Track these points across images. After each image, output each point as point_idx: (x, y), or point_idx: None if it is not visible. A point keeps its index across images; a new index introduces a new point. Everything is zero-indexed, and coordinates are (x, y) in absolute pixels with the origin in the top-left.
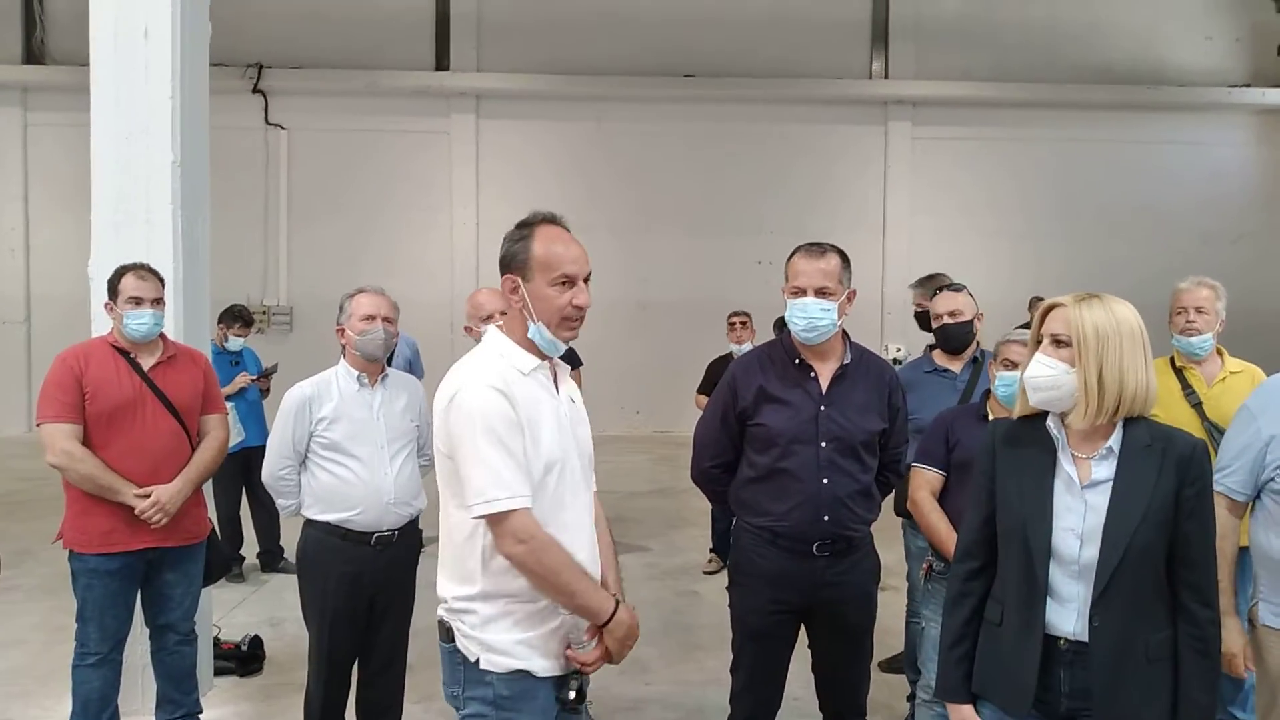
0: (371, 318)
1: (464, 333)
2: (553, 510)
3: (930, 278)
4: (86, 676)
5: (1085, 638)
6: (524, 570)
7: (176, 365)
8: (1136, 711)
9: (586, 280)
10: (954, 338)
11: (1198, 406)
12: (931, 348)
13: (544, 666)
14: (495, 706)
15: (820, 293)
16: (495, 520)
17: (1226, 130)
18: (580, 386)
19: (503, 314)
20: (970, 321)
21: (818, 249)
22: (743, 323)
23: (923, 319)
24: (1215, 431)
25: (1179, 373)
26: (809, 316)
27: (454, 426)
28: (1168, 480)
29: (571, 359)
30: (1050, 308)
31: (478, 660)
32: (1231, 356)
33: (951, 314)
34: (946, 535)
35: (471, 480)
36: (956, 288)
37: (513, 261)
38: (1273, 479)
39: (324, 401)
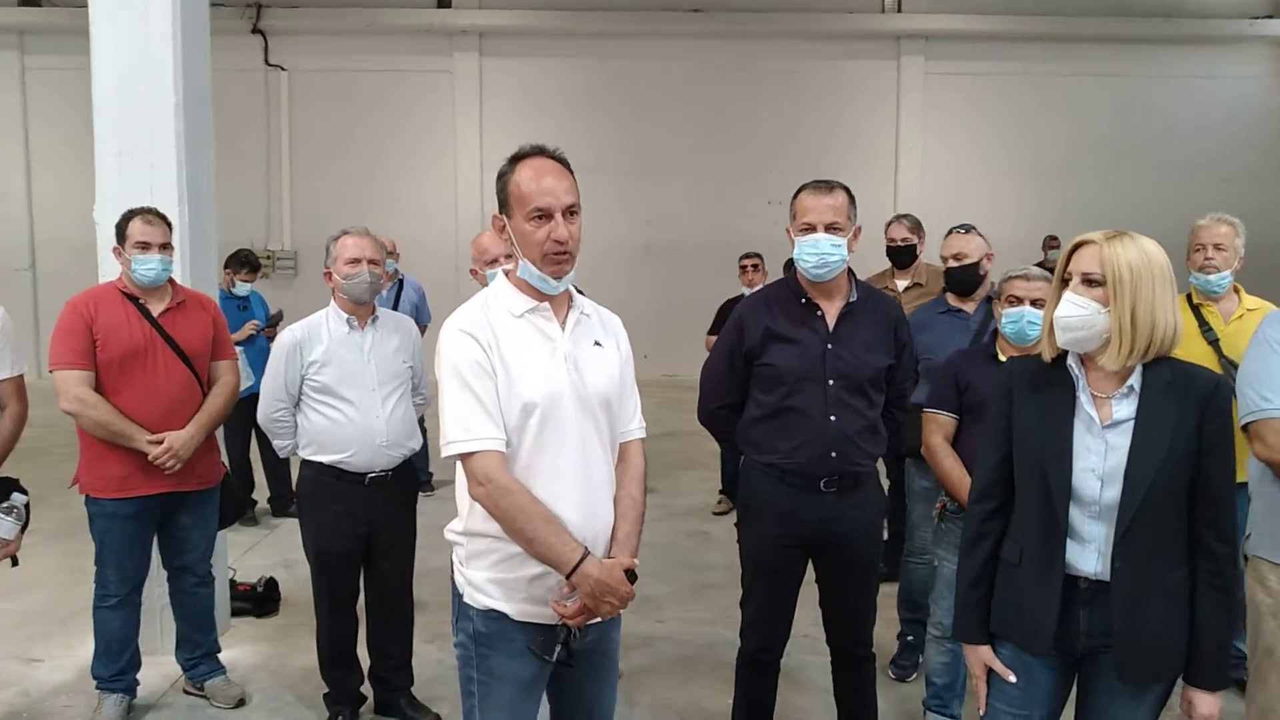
0: (356, 261)
1: (470, 275)
2: (534, 455)
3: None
4: (107, 618)
5: (1106, 577)
6: (488, 512)
7: (186, 311)
8: (1156, 648)
9: (571, 213)
10: (959, 281)
11: (1215, 343)
12: (945, 289)
13: (519, 611)
14: (475, 641)
15: (830, 228)
16: (462, 461)
17: (1246, 64)
18: None
19: (507, 257)
20: (977, 264)
21: (825, 185)
22: (754, 265)
23: (898, 253)
24: (1232, 368)
25: (1196, 310)
26: (820, 253)
27: (436, 371)
28: (1189, 418)
29: None
30: (1079, 245)
31: (463, 594)
32: (1248, 294)
33: (956, 257)
34: (960, 480)
35: (442, 423)
36: (964, 229)
37: (500, 200)
38: None
39: (314, 344)
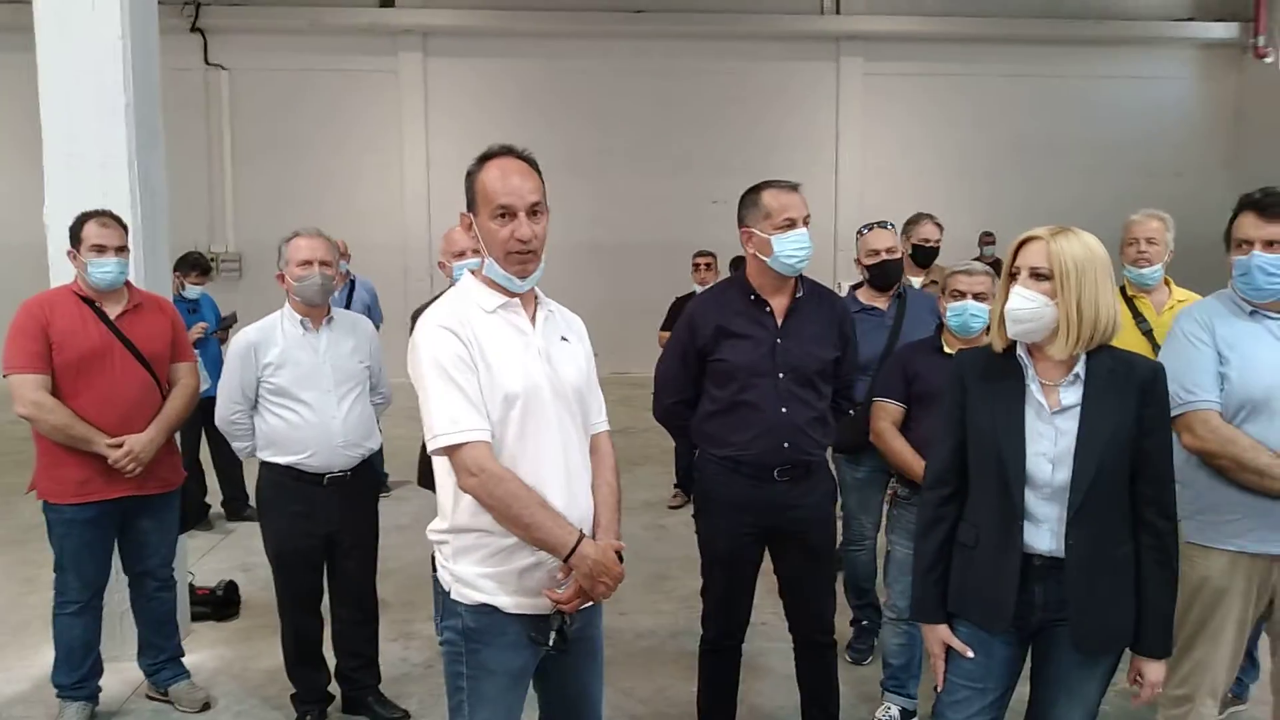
0: (308, 263)
1: (438, 268)
2: (517, 444)
3: (916, 219)
4: (68, 624)
5: (1060, 554)
6: (481, 502)
7: (143, 314)
8: (1108, 619)
9: (535, 212)
10: (891, 273)
11: (1148, 333)
12: (855, 287)
13: (511, 603)
14: (464, 637)
15: (804, 222)
16: (450, 455)
17: (1170, 64)
18: None
19: (475, 253)
20: (899, 259)
21: (788, 184)
22: (707, 264)
23: (926, 253)
24: None
25: (1130, 301)
26: (805, 247)
27: (412, 367)
28: (1131, 403)
29: None
30: (1025, 240)
31: (450, 590)
32: (1178, 286)
33: (889, 250)
34: (913, 460)
35: (426, 417)
36: (885, 225)
37: (468, 198)
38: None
39: (269, 347)
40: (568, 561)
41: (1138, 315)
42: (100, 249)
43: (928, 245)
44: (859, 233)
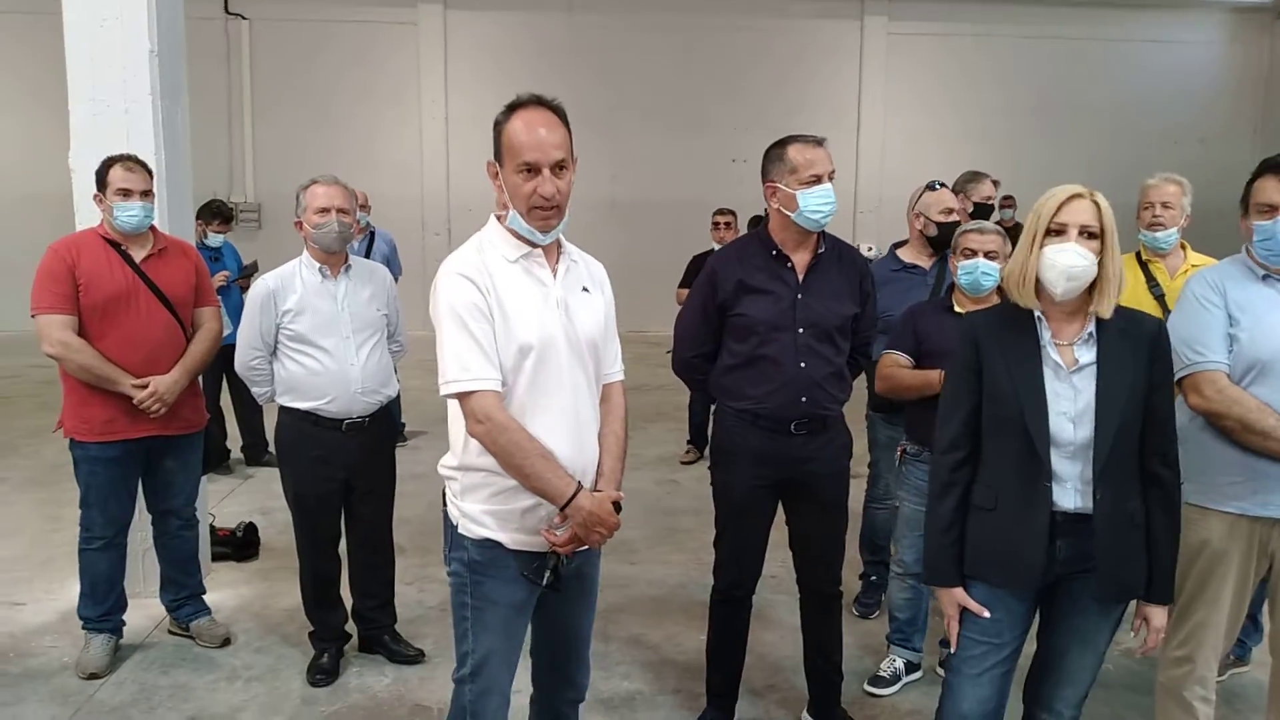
0: (325, 210)
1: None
2: (529, 395)
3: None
4: (93, 560)
5: (1087, 510)
6: (486, 449)
7: (168, 258)
8: (1126, 570)
9: (560, 168)
10: (952, 234)
11: (1161, 298)
12: (897, 245)
13: (513, 540)
14: (469, 569)
15: (830, 177)
16: (460, 400)
17: (1199, 28)
18: None
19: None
20: (958, 221)
21: (814, 139)
22: (727, 223)
23: (985, 210)
24: None
25: (1144, 266)
26: (831, 201)
27: (432, 312)
28: (1142, 358)
29: None
30: (1069, 199)
31: (457, 525)
32: (1194, 251)
33: (958, 210)
34: (925, 378)
35: (440, 362)
36: (947, 185)
37: (495, 148)
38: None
39: (288, 294)
40: (564, 511)
41: (1150, 279)
42: (126, 193)
43: (989, 203)
44: (928, 187)
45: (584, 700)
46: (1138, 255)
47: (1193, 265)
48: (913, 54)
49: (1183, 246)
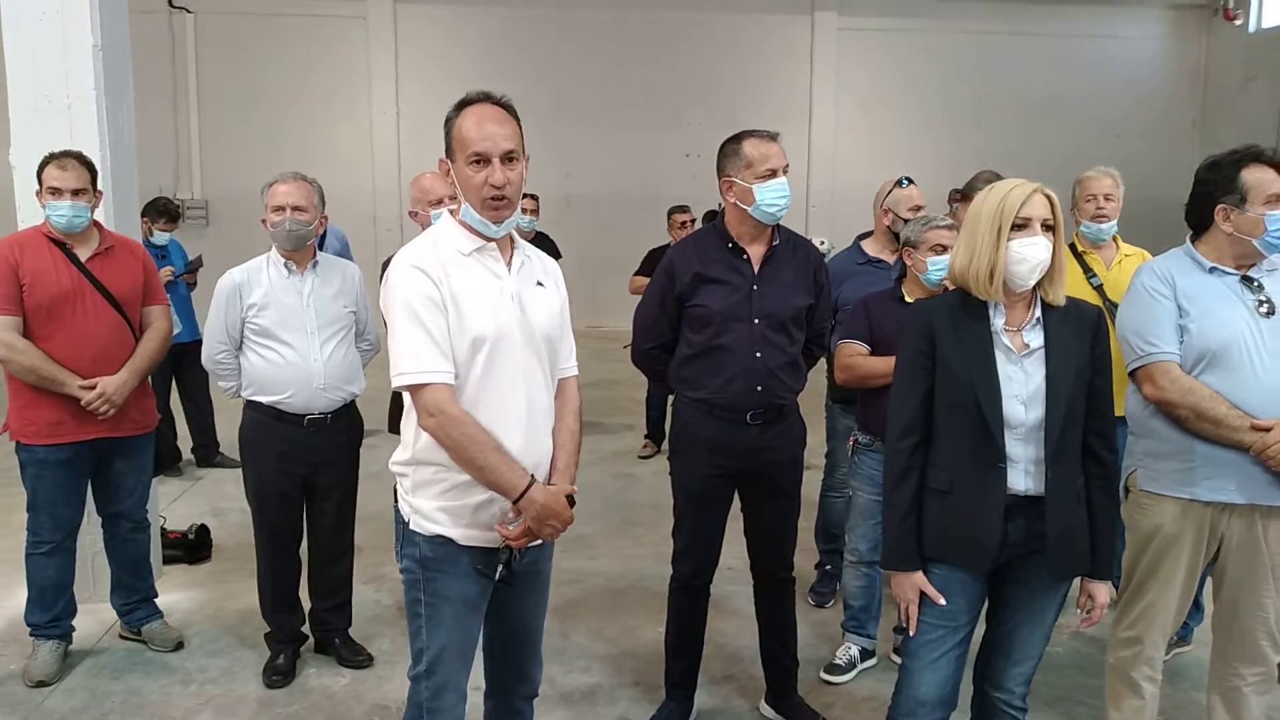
0: (280, 209)
1: (410, 218)
2: (482, 387)
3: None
4: (41, 565)
5: (1039, 492)
6: (439, 442)
7: (114, 257)
8: (1075, 547)
9: (510, 159)
10: None
11: (1099, 288)
12: (862, 237)
13: (465, 536)
14: (422, 565)
15: (784, 171)
16: (412, 393)
17: (1140, 24)
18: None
19: (452, 199)
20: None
21: (768, 133)
22: (684, 223)
23: None
24: (1114, 309)
25: (1079, 257)
26: (786, 195)
27: (383, 305)
28: (1085, 342)
29: (552, 252)
30: (1032, 193)
31: (409, 521)
32: (1125, 242)
33: (920, 209)
34: (888, 365)
35: (392, 354)
36: (913, 182)
37: (446, 144)
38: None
39: (254, 288)
40: (517, 505)
41: (1088, 270)
42: (56, 191)
43: None
44: (897, 184)
45: (537, 694)
46: (1073, 247)
47: (1125, 255)
48: (863, 50)
49: (1115, 239)
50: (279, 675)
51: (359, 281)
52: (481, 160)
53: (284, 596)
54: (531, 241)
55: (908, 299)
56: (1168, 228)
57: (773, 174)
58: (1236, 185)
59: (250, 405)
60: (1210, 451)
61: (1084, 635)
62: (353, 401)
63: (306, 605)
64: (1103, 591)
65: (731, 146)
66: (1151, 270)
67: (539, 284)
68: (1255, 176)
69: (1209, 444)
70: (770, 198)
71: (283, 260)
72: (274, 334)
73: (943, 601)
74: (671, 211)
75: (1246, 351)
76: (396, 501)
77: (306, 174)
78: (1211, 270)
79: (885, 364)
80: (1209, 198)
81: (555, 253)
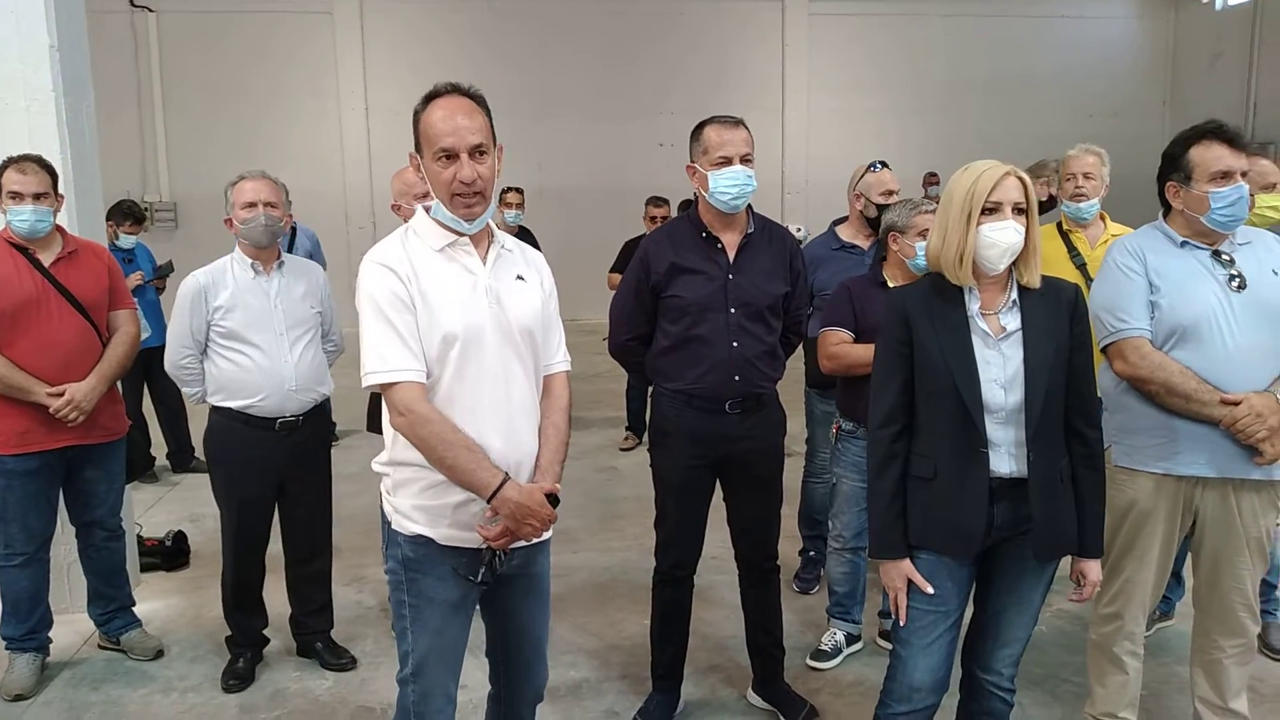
0: (252, 205)
1: (392, 211)
2: (456, 385)
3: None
4: (14, 577)
5: (1022, 474)
6: (409, 441)
7: (78, 261)
8: (1060, 528)
9: (480, 153)
10: None
11: (1082, 267)
12: (837, 223)
13: (445, 536)
14: (405, 566)
15: (744, 160)
16: (383, 392)
17: (1109, 3)
18: None
19: (426, 194)
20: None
21: (731, 120)
22: (663, 216)
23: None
24: None
25: (1065, 236)
26: (739, 184)
27: (357, 304)
28: (1063, 322)
29: (532, 246)
30: (1002, 176)
31: (391, 521)
32: (1113, 221)
33: (893, 193)
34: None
35: (361, 354)
36: (886, 165)
37: (415, 138)
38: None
39: (219, 290)
40: (490, 503)
41: (1072, 249)
42: (16, 196)
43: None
44: (870, 168)
45: (543, 699)
46: (1059, 225)
47: (1112, 235)
48: (834, 34)
49: (1102, 217)
50: (236, 679)
51: (324, 282)
52: (450, 155)
53: (245, 599)
54: (515, 236)
55: (890, 284)
56: (1141, 206)
57: (727, 161)
58: (1183, 162)
59: (217, 411)
60: (1181, 426)
61: (1067, 614)
62: (324, 402)
63: (286, 610)
64: (1095, 569)
65: (696, 132)
66: (1123, 247)
67: (519, 278)
68: (1201, 154)
69: (1180, 419)
70: (723, 185)
71: (249, 261)
72: (242, 336)
73: (930, 590)
74: (648, 203)
75: (1217, 326)
76: (381, 501)
77: (275, 173)
78: (1183, 245)
79: (871, 351)
80: (1162, 175)
81: (535, 247)
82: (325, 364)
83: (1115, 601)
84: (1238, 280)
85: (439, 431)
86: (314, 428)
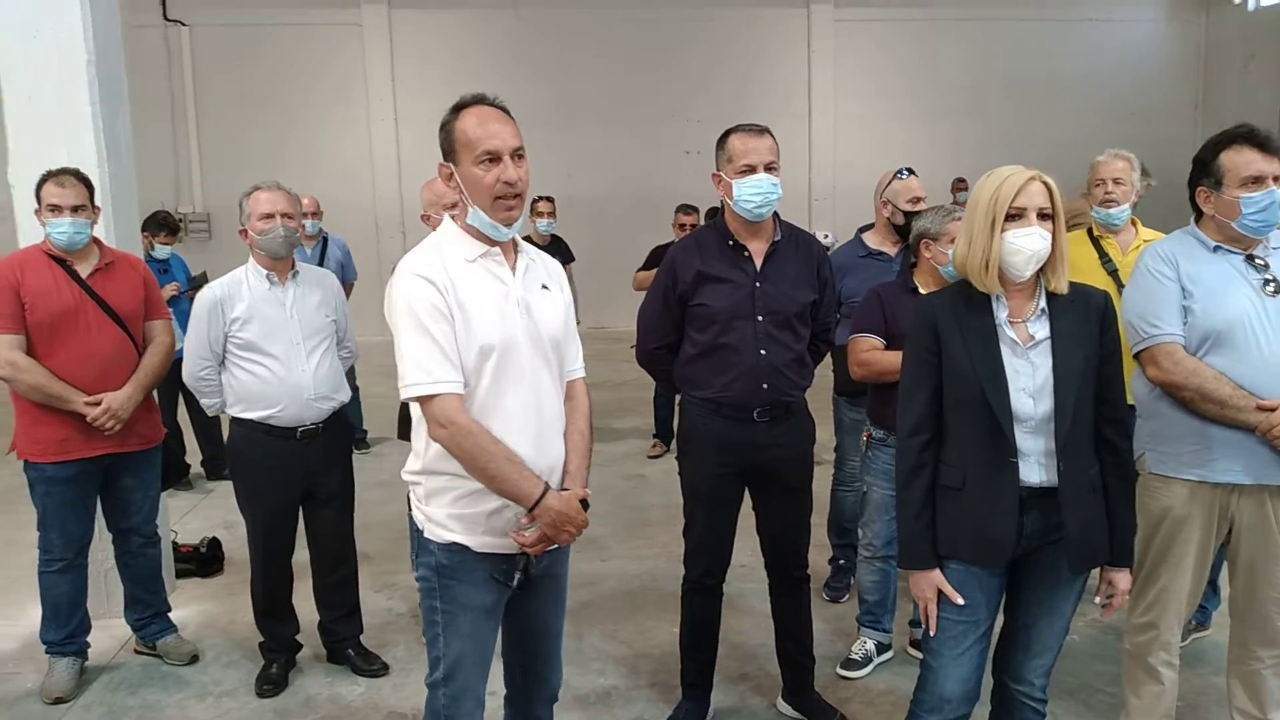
0: (269, 216)
1: (422, 221)
2: (491, 395)
3: None
4: (54, 582)
5: (1052, 484)
6: (450, 453)
7: (115, 272)
8: (1092, 538)
9: (518, 156)
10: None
11: (1114, 273)
12: (863, 230)
13: (480, 543)
14: (437, 573)
15: (768, 168)
16: (422, 404)
17: (1138, 6)
18: (572, 282)
19: (454, 205)
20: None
21: (756, 128)
22: (692, 224)
23: None
24: None
25: (1096, 242)
26: (763, 192)
27: (389, 314)
28: (1093, 330)
29: (565, 255)
30: (1026, 182)
31: (423, 530)
32: (1145, 226)
33: (920, 200)
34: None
35: (400, 365)
36: (914, 173)
37: (445, 148)
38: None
39: (235, 302)
40: (532, 512)
41: (1103, 255)
42: (56, 209)
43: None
44: (896, 175)
45: (558, 699)
46: (1089, 231)
47: (1144, 240)
48: (859, 41)
49: (1134, 223)
50: (270, 685)
51: (338, 290)
52: (493, 158)
53: (276, 605)
54: (549, 245)
55: (921, 290)
56: (1173, 211)
57: (750, 170)
58: (1214, 168)
59: (237, 422)
60: (1216, 433)
61: (1100, 623)
62: (341, 409)
63: (314, 617)
64: (1125, 579)
65: (722, 140)
66: (1155, 252)
67: (544, 287)
68: (1232, 159)
69: (1215, 425)
70: (747, 193)
71: (264, 272)
72: (260, 347)
73: (960, 600)
74: (677, 210)
75: (1251, 331)
76: (410, 510)
77: (306, 184)
78: (1216, 249)
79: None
80: (1193, 181)
81: (569, 255)
82: (341, 371)
83: (1150, 611)
84: (1272, 285)
85: (481, 443)
86: (334, 434)
